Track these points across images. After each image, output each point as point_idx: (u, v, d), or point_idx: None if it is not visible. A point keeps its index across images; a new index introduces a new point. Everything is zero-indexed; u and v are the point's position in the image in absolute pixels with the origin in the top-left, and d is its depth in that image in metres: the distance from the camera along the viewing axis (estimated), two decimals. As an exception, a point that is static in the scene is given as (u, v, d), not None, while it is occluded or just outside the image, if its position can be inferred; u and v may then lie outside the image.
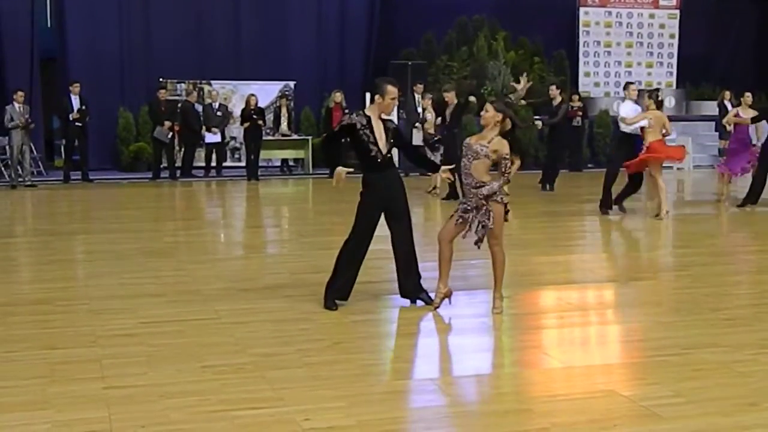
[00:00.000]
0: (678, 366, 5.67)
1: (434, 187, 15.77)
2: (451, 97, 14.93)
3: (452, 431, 4.64)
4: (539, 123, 17.36)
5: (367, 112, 7.13)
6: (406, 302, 7.38)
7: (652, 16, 25.82)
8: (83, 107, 18.54)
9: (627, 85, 13.78)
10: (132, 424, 4.63)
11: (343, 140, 7.23)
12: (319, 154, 20.71)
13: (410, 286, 7.32)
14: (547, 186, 16.41)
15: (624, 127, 12.63)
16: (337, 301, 7.18)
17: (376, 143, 7.02)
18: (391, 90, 7.03)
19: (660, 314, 7.24)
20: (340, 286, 7.20)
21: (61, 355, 5.92)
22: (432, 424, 4.74)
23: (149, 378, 5.41)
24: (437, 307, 7.11)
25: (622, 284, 8.57)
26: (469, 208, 6.88)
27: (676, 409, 4.87)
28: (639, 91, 13.99)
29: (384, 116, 7.14)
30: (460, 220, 6.91)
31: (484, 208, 6.81)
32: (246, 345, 6.13)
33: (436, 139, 15.57)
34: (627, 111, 12.72)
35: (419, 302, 7.32)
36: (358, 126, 7.01)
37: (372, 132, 7.01)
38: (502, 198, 6.89)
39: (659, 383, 5.31)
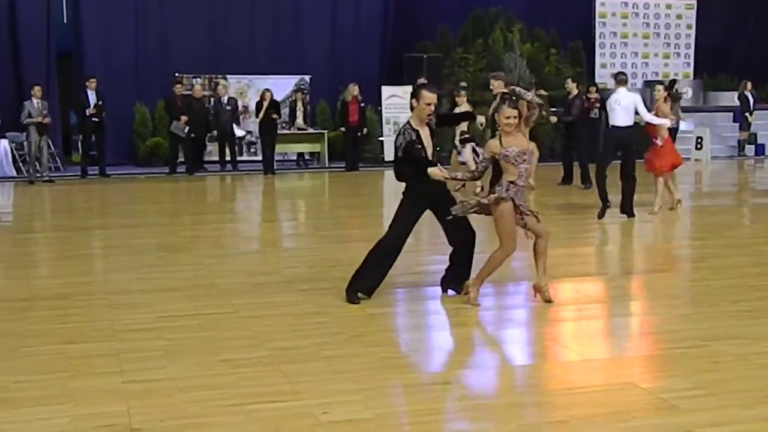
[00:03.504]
0: (697, 358, 5.64)
1: (463, 185, 15.22)
2: (498, 87, 12.93)
3: (470, 424, 4.63)
4: (554, 118, 17.18)
5: (413, 124, 7.10)
6: (423, 295, 7.39)
7: (668, 6, 25.68)
8: (100, 102, 18.58)
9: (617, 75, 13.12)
10: (150, 418, 4.64)
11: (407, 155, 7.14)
12: (339, 148, 20.78)
13: (456, 278, 7.36)
14: (588, 183, 15.88)
15: (629, 119, 12.03)
16: (360, 295, 7.19)
17: (426, 155, 7.07)
18: (427, 95, 7.05)
19: (678, 306, 7.21)
20: (367, 282, 7.21)
21: (79, 349, 5.95)
22: (450, 417, 4.74)
23: (167, 372, 5.42)
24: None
25: (639, 276, 8.54)
26: (523, 207, 7.00)
27: (695, 401, 4.84)
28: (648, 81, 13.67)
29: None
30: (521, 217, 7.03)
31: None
32: (263, 339, 6.14)
33: (467, 136, 14.80)
34: (631, 100, 12.11)
35: (450, 292, 7.37)
36: (412, 143, 7.03)
37: (423, 145, 7.07)
38: None
39: (678, 375, 5.28)
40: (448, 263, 7.45)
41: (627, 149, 12.04)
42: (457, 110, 14.39)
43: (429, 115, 7.10)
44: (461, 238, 7.26)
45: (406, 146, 7.02)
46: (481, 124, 7.56)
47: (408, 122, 7.17)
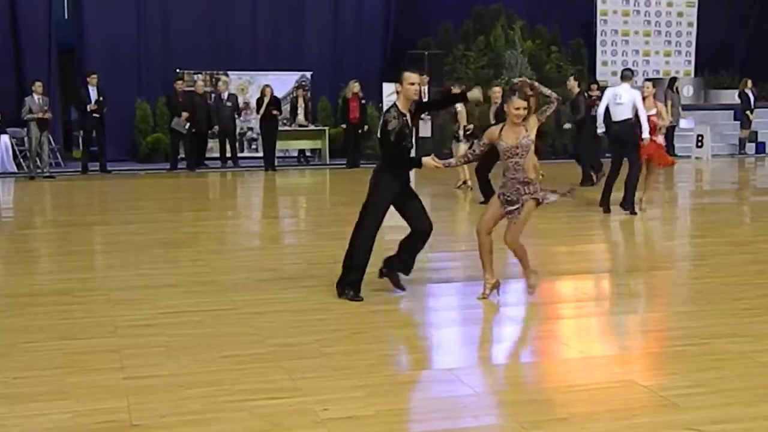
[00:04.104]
0: (697, 356, 5.64)
1: (464, 182, 15.22)
2: (498, 93, 13.26)
3: (471, 421, 4.63)
4: (568, 126, 17.02)
5: (401, 108, 7.03)
6: (423, 292, 7.39)
7: (670, 4, 25.68)
8: (101, 98, 18.58)
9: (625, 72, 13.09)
10: (151, 414, 4.64)
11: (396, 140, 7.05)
12: (340, 145, 20.80)
13: (405, 265, 7.34)
14: (595, 178, 15.82)
15: (625, 115, 12.03)
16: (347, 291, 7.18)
17: (412, 140, 7.07)
18: (409, 75, 7.01)
19: (678, 304, 7.21)
20: (356, 278, 7.18)
21: (80, 345, 5.95)
22: (450, 414, 4.73)
23: (168, 368, 5.42)
24: (485, 297, 7.11)
25: (639, 274, 8.53)
26: (512, 200, 6.94)
27: (696, 399, 4.84)
28: (649, 80, 13.62)
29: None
30: (510, 214, 6.97)
31: (523, 201, 6.91)
32: (264, 335, 6.14)
33: (470, 132, 14.60)
34: (631, 97, 12.11)
35: (397, 291, 7.37)
36: (401, 129, 6.98)
37: (410, 130, 7.06)
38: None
39: (678, 373, 5.28)
40: (397, 249, 7.38)
41: (621, 144, 12.09)
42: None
43: (415, 94, 7.04)
44: (421, 228, 7.24)
45: (399, 130, 6.96)
46: (478, 99, 7.50)
47: (395, 104, 7.09)
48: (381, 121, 7.11)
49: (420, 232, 7.24)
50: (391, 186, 7.11)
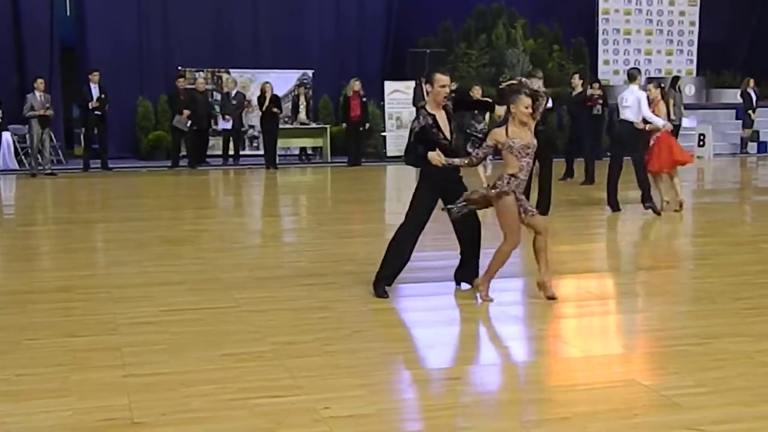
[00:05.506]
0: (699, 356, 5.63)
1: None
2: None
3: (472, 420, 4.62)
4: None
5: (429, 108, 7.07)
6: (425, 291, 7.39)
7: (672, 3, 25.67)
8: (102, 96, 18.59)
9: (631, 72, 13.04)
10: (152, 412, 4.64)
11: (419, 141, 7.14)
12: (341, 143, 20.82)
13: (468, 271, 7.42)
14: (590, 180, 15.78)
15: (631, 117, 12.02)
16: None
17: (445, 137, 7.07)
18: (440, 77, 7.01)
19: (680, 303, 7.20)
20: (389, 273, 7.21)
21: (81, 342, 5.95)
22: (452, 412, 4.73)
23: (169, 366, 5.42)
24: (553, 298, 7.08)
25: (641, 273, 8.52)
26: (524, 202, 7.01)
27: (697, 398, 4.83)
28: (651, 78, 13.62)
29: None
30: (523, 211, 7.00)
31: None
32: (266, 333, 6.14)
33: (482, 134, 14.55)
34: (635, 98, 12.11)
35: (464, 285, 7.42)
36: (428, 127, 7.01)
37: (440, 128, 7.05)
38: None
39: (680, 373, 5.27)
40: (459, 258, 7.46)
41: (621, 145, 12.10)
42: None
43: (445, 97, 7.06)
44: (468, 231, 7.27)
45: (420, 130, 6.99)
46: (499, 116, 7.53)
47: (424, 107, 7.15)
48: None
49: (465, 238, 7.30)
50: (433, 187, 7.11)
